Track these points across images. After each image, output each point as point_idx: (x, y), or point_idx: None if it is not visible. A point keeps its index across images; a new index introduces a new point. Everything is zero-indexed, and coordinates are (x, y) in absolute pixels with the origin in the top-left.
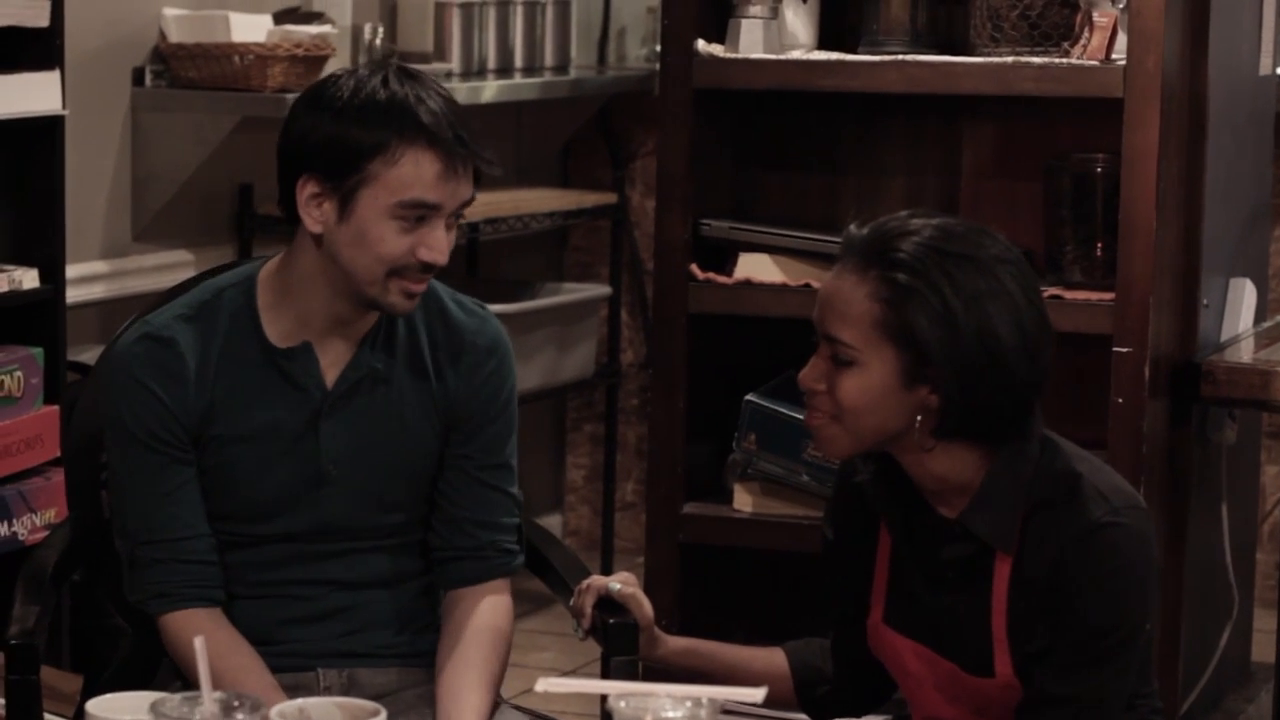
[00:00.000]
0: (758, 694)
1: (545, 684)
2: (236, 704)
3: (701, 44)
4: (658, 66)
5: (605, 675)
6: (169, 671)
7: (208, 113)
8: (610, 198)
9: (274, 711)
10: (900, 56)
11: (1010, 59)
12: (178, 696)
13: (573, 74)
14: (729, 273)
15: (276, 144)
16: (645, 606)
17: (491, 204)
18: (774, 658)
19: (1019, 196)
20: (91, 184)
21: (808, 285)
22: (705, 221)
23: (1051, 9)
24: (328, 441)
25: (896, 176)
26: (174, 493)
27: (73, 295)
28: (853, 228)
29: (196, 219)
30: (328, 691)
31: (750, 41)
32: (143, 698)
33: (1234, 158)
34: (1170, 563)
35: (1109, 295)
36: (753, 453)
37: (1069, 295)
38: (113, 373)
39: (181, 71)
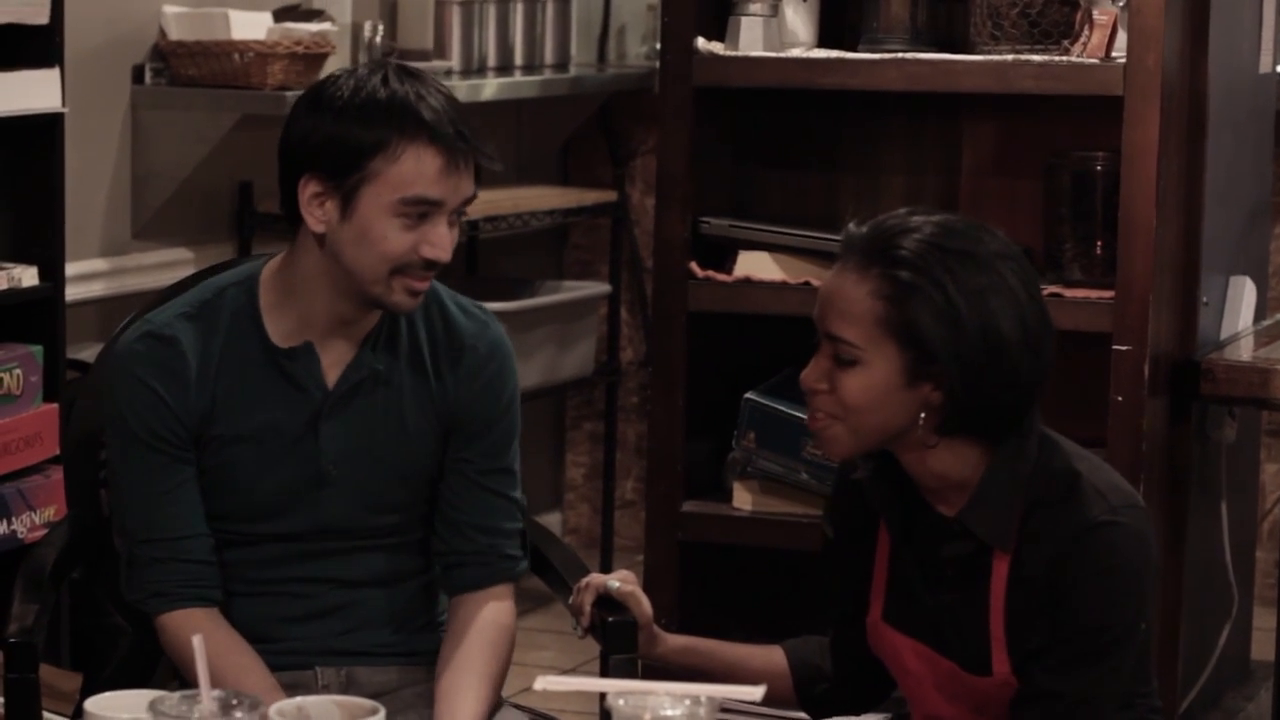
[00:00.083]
0: (756, 692)
1: (544, 682)
2: (235, 702)
3: (701, 42)
4: (658, 64)
5: (604, 673)
6: (168, 670)
7: (207, 110)
8: (610, 195)
9: (273, 710)
10: (900, 54)
11: (1010, 57)
12: (176, 695)
13: (573, 72)
14: (728, 271)
15: (277, 145)
16: (644, 605)
17: (491, 202)
18: (773, 656)
19: (1019, 194)
20: (91, 182)
21: (807, 283)
22: (705, 219)
23: (1051, 7)
24: (327, 442)
25: (896, 174)
26: (174, 492)
27: (72, 293)
28: (852, 226)
29: (196, 217)
30: (326, 690)
31: (750, 39)
32: (142, 696)
33: (1234, 156)
34: (1170, 561)
35: (1108, 293)
36: (752, 451)
37: (1068, 293)
38: (114, 371)
39: (181, 69)
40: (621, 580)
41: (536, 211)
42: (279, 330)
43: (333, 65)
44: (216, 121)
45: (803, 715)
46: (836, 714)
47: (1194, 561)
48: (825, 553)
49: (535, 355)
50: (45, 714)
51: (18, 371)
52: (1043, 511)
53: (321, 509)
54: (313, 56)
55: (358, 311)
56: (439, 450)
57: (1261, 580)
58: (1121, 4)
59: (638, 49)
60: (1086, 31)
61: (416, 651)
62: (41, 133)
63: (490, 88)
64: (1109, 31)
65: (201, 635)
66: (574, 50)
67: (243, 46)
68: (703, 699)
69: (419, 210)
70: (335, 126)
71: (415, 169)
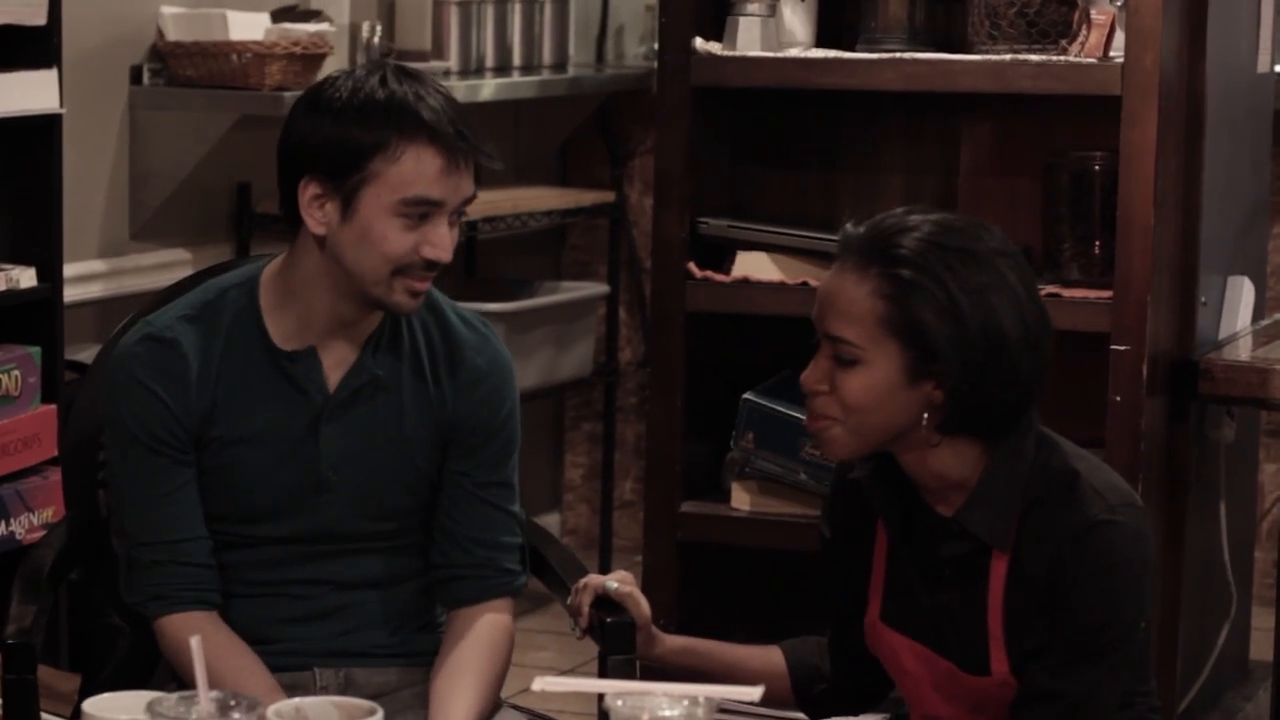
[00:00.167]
0: (755, 693)
1: (542, 683)
2: (233, 703)
3: (699, 42)
4: (656, 64)
5: (603, 674)
6: (166, 671)
7: (205, 111)
8: (608, 196)
9: (270, 711)
10: (898, 54)
11: (1008, 57)
12: (174, 696)
13: (571, 72)
14: (727, 271)
15: (276, 147)
16: (643, 605)
17: (490, 202)
18: (771, 656)
19: (1017, 194)
20: (89, 182)
21: (806, 283)
22: (703, 220)
23: (1049, 6)
24: (328, 445)
25: (894, 174)
26: (173, 494)
27: (70, 294)
28: (849, 226)
29: (194, 217)
30: (324, 691)
31: (748, 39)
32: (140, 697)
33: (1232, 155)
34: (1168, 561)
35: (1107, 293)
36: (750, 451)
37: (1067, 293)
38: (114, 373)
39: (179, 70)
40: (620, 581)
41: (535, 212)
42: (280, 332)
43: (331, 66)
44: (214, 122)
45: (801, 715)
46: (835, 714)
47: (1193, 561)
48: (823, 553)
49: (534, 356)
50: (43, 715)
51: (16, 373)
52: (1041, 511)
53: (321, 514)
54: (311, 57)
55: (359, 313)
56: (438, 456)
57: (1260, 580)
58: (1119, 4)
59: (636, 49)
60: (1084, 31)
61: (415, 652)
62: (39, 134)
63: (488, 88)
64: (1107, 31)
65: (199, 635)
66: (572, 50)
67: (241, 47)
68: (701, 699)
69: (419, 211)
70: (334, 128)
71: (415, 169)
